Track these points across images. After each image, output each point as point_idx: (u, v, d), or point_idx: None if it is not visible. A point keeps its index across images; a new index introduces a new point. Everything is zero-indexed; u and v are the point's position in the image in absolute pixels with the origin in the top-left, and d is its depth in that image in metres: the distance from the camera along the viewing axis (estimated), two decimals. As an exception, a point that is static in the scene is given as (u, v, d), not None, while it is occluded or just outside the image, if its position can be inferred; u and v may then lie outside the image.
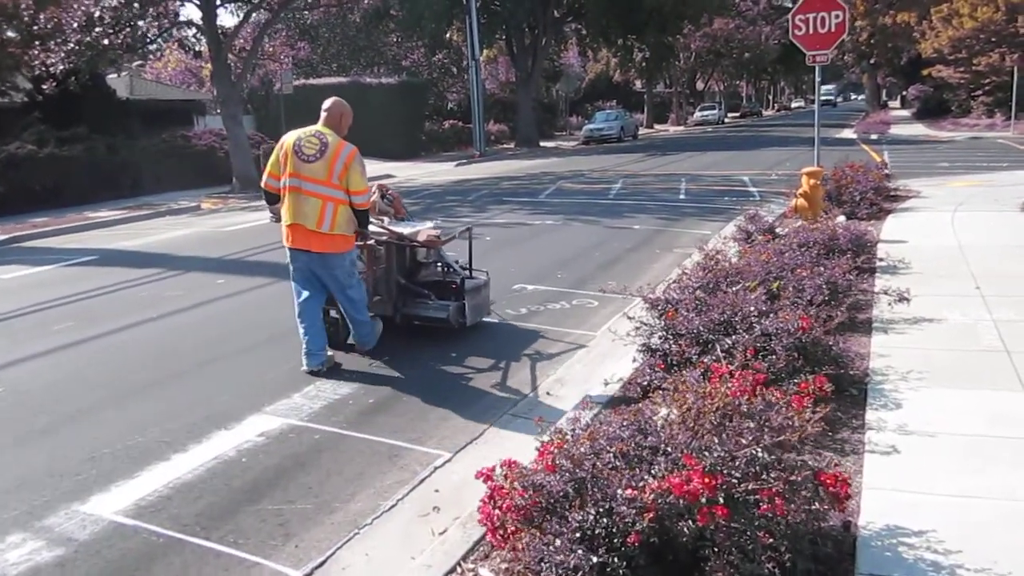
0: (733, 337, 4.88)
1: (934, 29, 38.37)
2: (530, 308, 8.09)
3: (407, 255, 7.23)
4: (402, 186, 21.73)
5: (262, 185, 6.48)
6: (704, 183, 18.94)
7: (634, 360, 5.35)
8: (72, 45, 20.33)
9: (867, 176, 12.85)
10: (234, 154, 21.33)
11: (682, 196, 16.80)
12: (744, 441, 3.07)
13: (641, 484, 2.91)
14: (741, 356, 4.63)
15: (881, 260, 8.46)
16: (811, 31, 12.55)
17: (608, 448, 3.32)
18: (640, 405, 3.92)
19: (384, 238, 6.98)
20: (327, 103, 6.29)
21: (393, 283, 7.07)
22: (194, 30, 22.40)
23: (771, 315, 5.14)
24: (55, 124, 21.68)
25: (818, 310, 5.55)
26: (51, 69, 19.92)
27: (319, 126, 6.17)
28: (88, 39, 19.85)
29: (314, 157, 5.99)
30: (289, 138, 6.15)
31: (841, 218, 10.39)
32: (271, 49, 25.44)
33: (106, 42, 20.39)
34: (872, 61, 56.50)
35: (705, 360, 4.80)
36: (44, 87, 21.04)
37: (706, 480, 2.80)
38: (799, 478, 2.96)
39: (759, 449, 3.03)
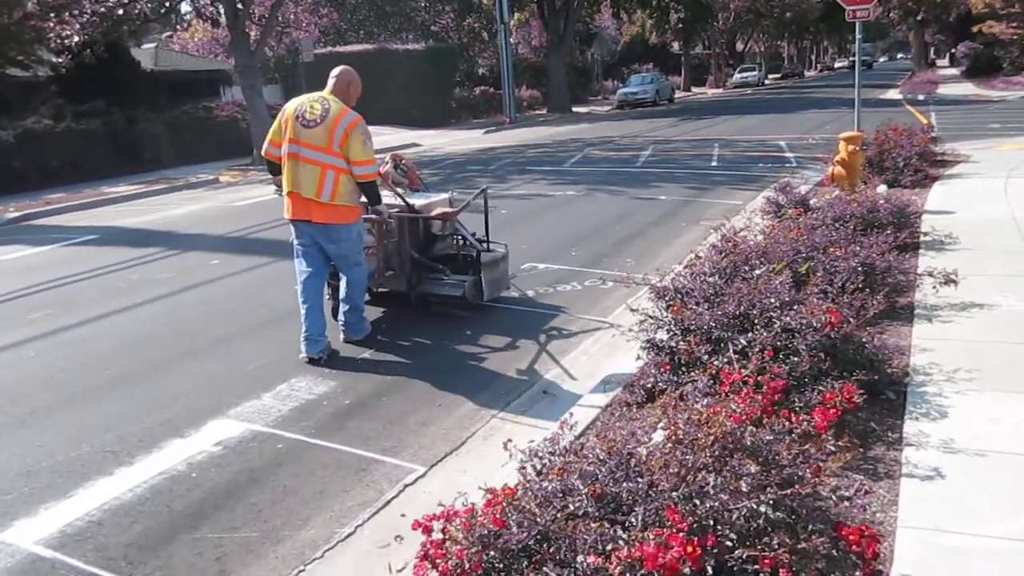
0: (750, 334, 4.21)
1: (985, -18, 36.58)
2: (539, 290, 7.46)
3: (420, 228, 6.87)
4: (426, 155, 21.13)
5: (262, 153, 6.09)
6: (738, 149, 18.04)
7: (638, 358, 4.71)
8: (88, 16, 19.87)
9: (911, 140, 11.94)
10: (254, 125, 20.80)
11: (714, 163, 15.96)
12: (744, 488, 2.43)
13: (609, 548, 2.29)
14: (757, 358, 3.97)
15: (925, 235, 7.68)
16: (851, -17, 11.65)
17: (580, 487, 2.72)
18: (633, 427, 3.30)
19: (395, 211, 6.56)
20: (336, 70, 5.95)
21: (407, 257, 6.71)
22: (212, -2, 21.72)
23: (795, 306, 4.47)
24: (75, 98, 21.32)
25: (851, 298, 4.84)
26: (66, 41, 19.48)
27: (324, 92, 5.84)
28: (103, 9, 19.35)
29: (314, 123, 5.64)
30: (292, 104, 5.85)
31: (882, 187, 9.59)
32: (293, 16, 24.71)
33: (121, 12, 19.85)
34: (919, 18, 54.33)
35: (716, 362, 4.15)
36: (61, 60, 20.63)
37: (689, 548, 2.18)
38: (812, 545, 2.32)
39: (762, 502, 2.39)
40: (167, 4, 22.61)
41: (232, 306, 7.42)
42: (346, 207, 5.78)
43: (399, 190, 6.83)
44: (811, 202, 8.63)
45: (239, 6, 20.51)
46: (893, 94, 35.29)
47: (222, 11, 20.83)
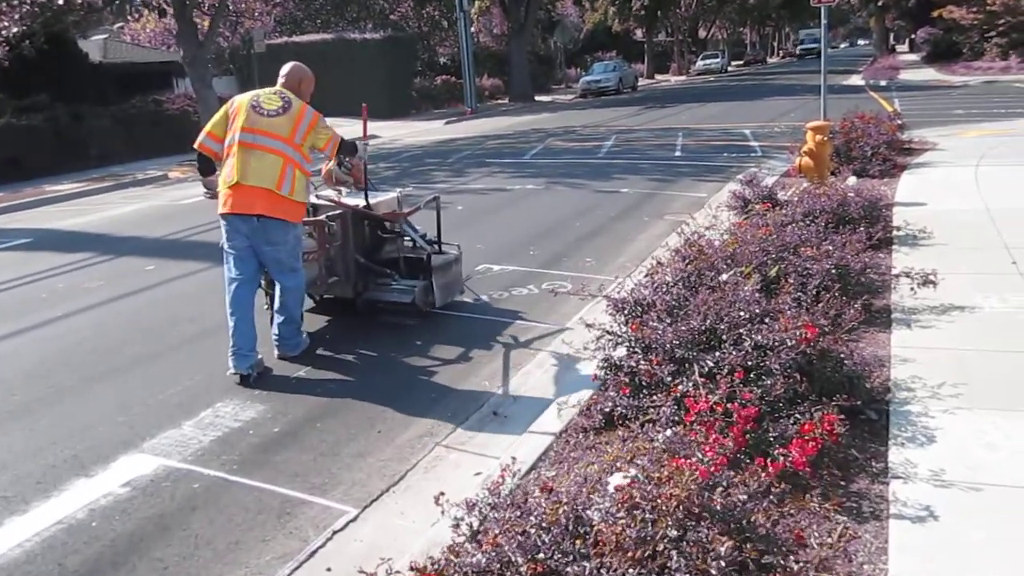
0: (717, 353, 3.78)
1: (945, -33, 36.60)
2: (493, 295, 7.00)
3: (366, 230, 6.46)
4: (384, 147, 20.52)
5: (196, 146, 5.57)
6: (702, 138, 17.67)
7: (595, 377, 4.26)
8: (27, 6, 19.00)
9: (878, 128, 11.63)
10: (204, 118, 19.84)
11: (678, 153, 15.56)
12: (715, 572, 1.99)
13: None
14: (726, 382, 3.55)
15: (898, 229, 7.31)
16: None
17: (519, 562, 2.26)
18: (587, 471, 2.86)
19: (338, 212, 6.13)
20: (285, 68, 5.65)
21: (351, 261, 6.27)
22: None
23: (767, 319, 4.05)
24: (16, 93, 20.42)
25: (827, 306, 4.44)
26: (3, 33, 18.61)
27: (278, 88, 5.54)
28: (41, -1, 18.55)
29: (276, 112, 5.33)
30: (244, 96, 5.48)
31: (852, 179, 9.24)
32: (244, 5, 23.89)
33: (61, 1, 18.99)
34: (880, 3, 54.50)
35: (680, 385, 3.72)
36: (-1, 54, 19.78)
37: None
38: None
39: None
40: (112, -7, 21.64)
41: (161, 319, 6.86)
42: (297, 204, 5.43)
43: (343, 189, 6.44)
44: (779, 195, 8.24)
45: (185, -4, 19.74)
46: (856, 80, 35.18)
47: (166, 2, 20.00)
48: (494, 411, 4.75)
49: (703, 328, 3.95)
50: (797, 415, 3.49)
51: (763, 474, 2.54)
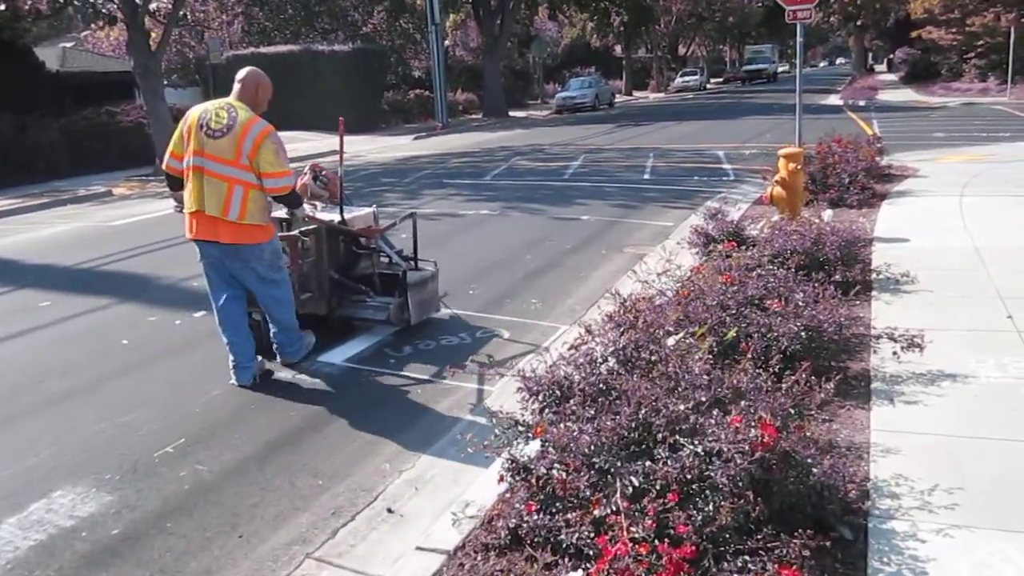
0: (648, 463, 2.93)
1: (925, -13, 36.29)
2: (418, 344, 6.13)
3: (340, 246, 6.35)
4: (345, 164, 19.61)
5: (163, 167, 5.49)
6: (674, 159, 16.89)
7: (501, 479, 3.38)
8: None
9: (857, 154, 10.87)
10: (156, 132, 19.08)
11: (646, 176, 14.75)
12: None
13: None
14: (656, 507, 2.70)
15: (878, 273, 6.51)
16: (791, -18, 10.55)
17: None
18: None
19: (311, 227, 6.00)
20: (241, 73, 5.36)
21: (325, 278, 6.18)
22: (107, -8, 19.90)
23: (716, 409, 3.21)
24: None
25: (790, 385, 3.60)
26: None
27: (230, 99, 5.24)
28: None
29: (220, 132, 5.07)
30: (195, 111, 5.24)
31: (828, 212, 8.47)
32: (202, 14, 22.97)
33: (3, 7, 18.02)
34: (859, 23, 54.37)
35: (600, 506, 2.87)
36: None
37: None
38: None
39: None
40: (60, 0, 20.62)
41: (29, 372, 5.90)
42: (257, 227, 5.19)
43: (318, 204, 6.28)
44: (747, 230, 7.44)
45: (137, 1, 18.77)
46: (834, 99, 34.69)
47: (119, 7, 19.04)
48: (388, 508, 3.86)
49: (633, 425, 3.09)
50: (747, 556, 2.64)
51: None
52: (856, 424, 4.08)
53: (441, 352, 5.96)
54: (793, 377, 3.53)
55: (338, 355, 5.93)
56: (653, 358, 3.62)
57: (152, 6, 19.87)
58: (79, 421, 4.86)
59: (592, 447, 2.93)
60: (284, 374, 5.62)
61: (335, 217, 6.16)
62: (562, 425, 3.08)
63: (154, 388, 5.48)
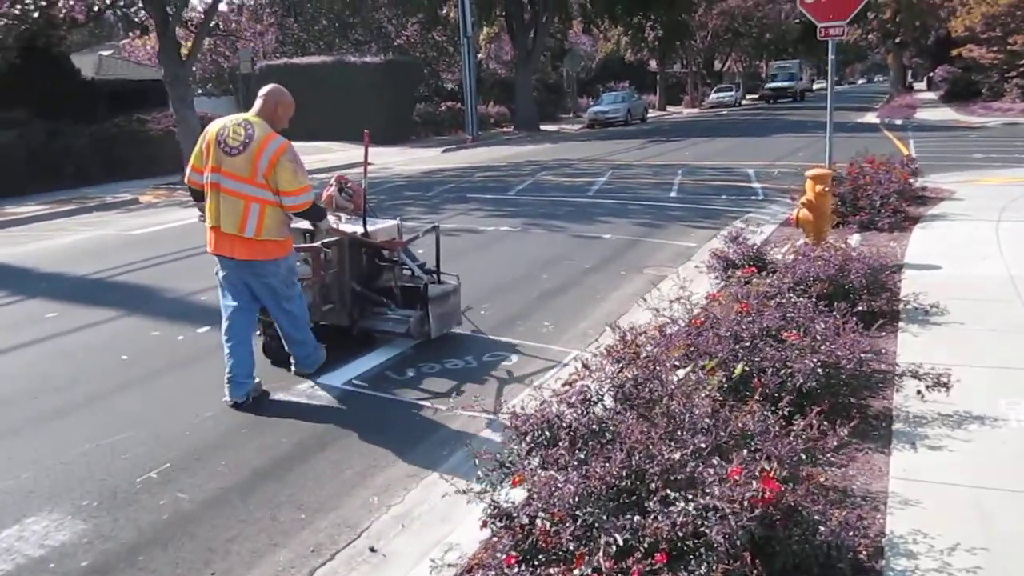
0: (637, 518, 2.69)
1: (965, 5, 35.58)
2: (422, 367, 5.92)
3: (363, 258, 6.36)
4: (371, 176, 19.51)
5: (186, 180, 5.53)
6: (702, 177, 16.59)
7: (484, 525, 3.15)
8: (2, 21, 18.21)
9: (889, 175, 10.52)
10: (184, 141, 19.06)
11: (673, 194, 14.46)
12: None
13: None
14: (639, 570, 2.47)
15: (906, 303, 6.20)
16: (823, -4, 10.28)
17: None
18: None
19: (334, 239, 6.01)
20: (264, 89, 5.36)
21: (348, 289, 6.17)
22: (140, 1, 19.97)
23: (715, 456, 2.97)
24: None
25: (803, 429, 3.34)
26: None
27: (250, 115, 5.23)
28: (16, 11, 17.69)
29: (236, 149, 5.05)
30: (214, 126, 5.23)
31: (856, 236, 8.16)
32: (234, 24, 23.08)
33: (36, 15, 18.18)
34: (898, 40, 53.56)
35: (582, 564, 2.63)
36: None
37: None
38: None
39: None
40: (95, 9, 20.80)
41: (22, 387, 5.76)
42: (273, 242, 5.19)
43: (342, 216, 6.29)
44: (770, 254, 7.16)
45: (169, 11, 18.86)
46: (871, 118, 34.15)
47: (150, 16, 19.15)
48: (371, 546, 3.66)
49: (625, 472, 2.86)
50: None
51: None
52: (874, 470, 3.81)
53: (445, 376, 5.75)
54: (804, 421, 3.27)
55: (339, 376, 5.75)
56: (654, 396, 3.38)
57: (184, 15, 19.86)
58: (65, 442, 4.71)
59: (577, 498, 2.70)
60: (281, 396, 5.44)
61: (358, 229, 6.16)
62: (547, 473, 2.85)
63: (147, 407, 5.32)
